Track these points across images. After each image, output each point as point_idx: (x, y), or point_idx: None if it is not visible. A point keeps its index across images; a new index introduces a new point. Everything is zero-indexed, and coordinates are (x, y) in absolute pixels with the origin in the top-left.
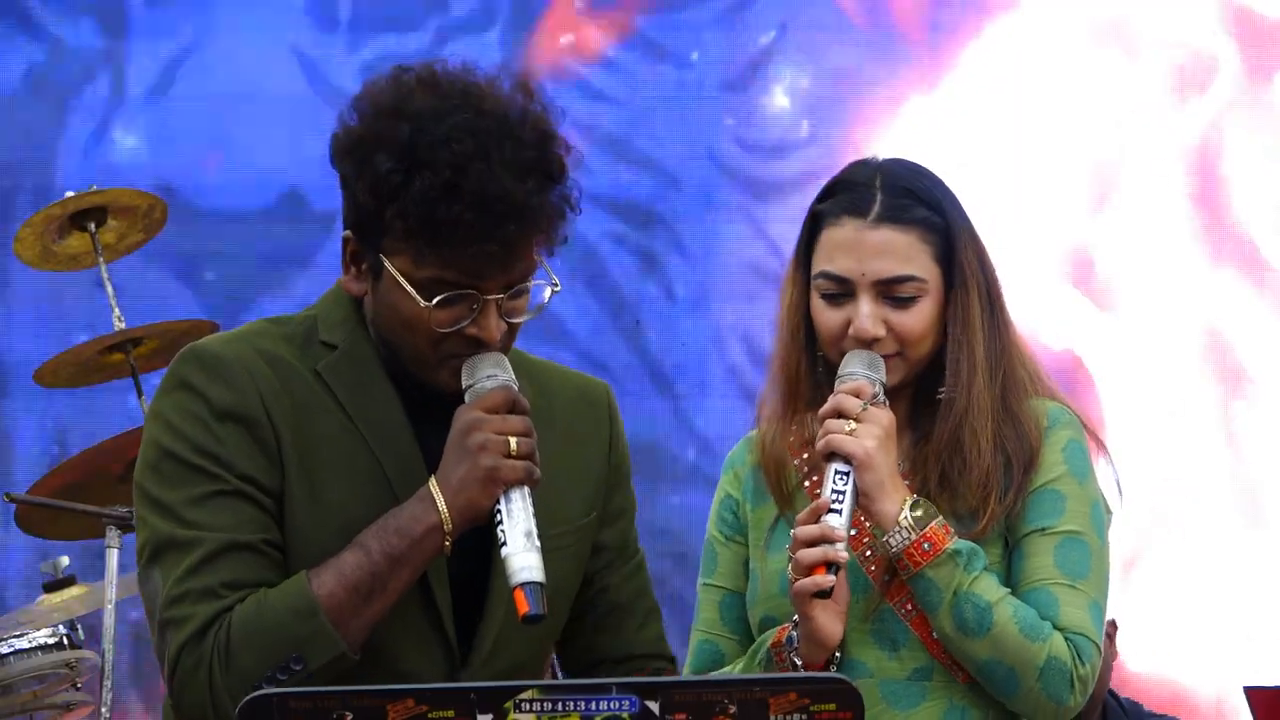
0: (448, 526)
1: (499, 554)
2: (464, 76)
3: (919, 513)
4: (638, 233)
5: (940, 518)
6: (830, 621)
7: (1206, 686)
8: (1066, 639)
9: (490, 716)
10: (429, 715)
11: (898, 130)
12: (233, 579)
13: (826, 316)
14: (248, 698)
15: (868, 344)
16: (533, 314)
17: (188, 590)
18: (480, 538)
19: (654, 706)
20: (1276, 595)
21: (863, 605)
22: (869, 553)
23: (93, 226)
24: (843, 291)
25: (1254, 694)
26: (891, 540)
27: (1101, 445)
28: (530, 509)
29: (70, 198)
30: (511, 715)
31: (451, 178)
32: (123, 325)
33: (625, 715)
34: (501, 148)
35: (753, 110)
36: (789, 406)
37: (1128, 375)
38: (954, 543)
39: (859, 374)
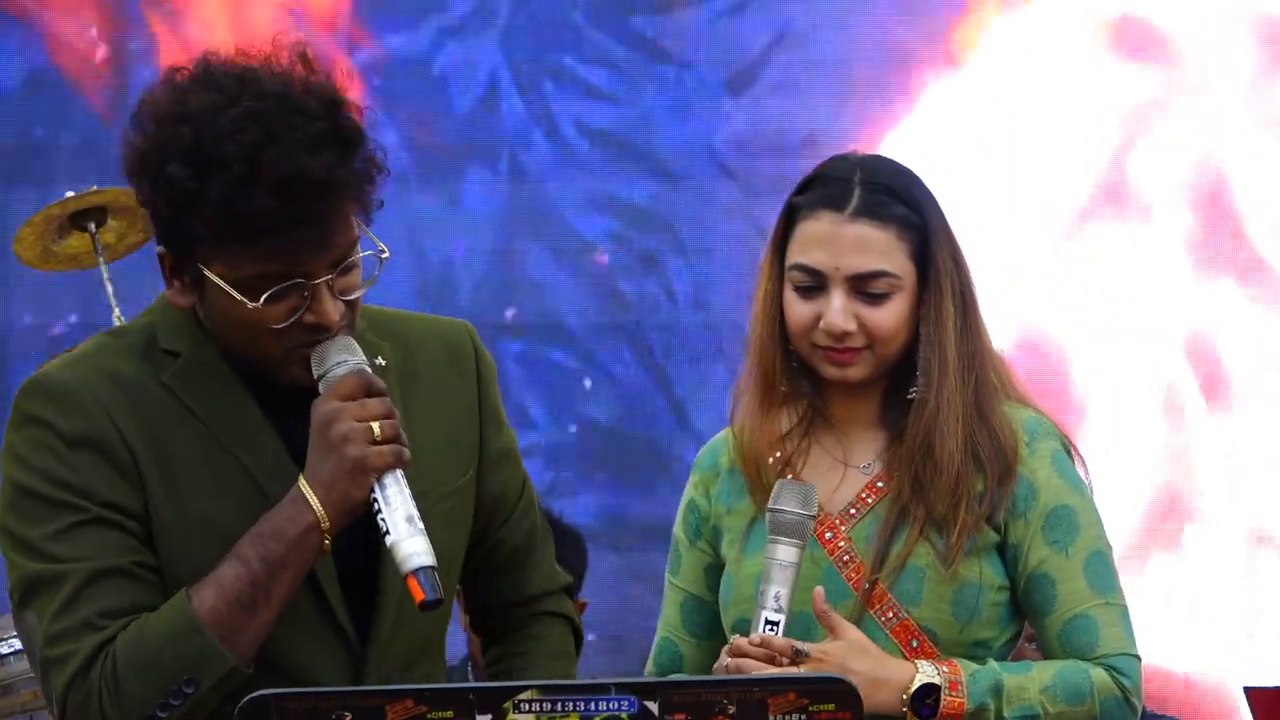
0: (325, 524)
1: (383, 540)
2: (238, 63)
3: (923, 700)
4: (638, 233)
5: (944, 681)
6: None
7: (1207, 686)
8: (1107, 668)
9: (489, 717)
10: (428, 715)
11: (898, 130)
12: (107, 607)
13: (798, 309)
14: (247, 698)
15: (838, 338)
16: (366, 286)
17: (65, 628)
18: (357, 524)
19: (653, 706)
20: (1277, 595)
21: (842, 614)
22: (847, 558)
23: (93, 226)
24: (816, 284)
25: (1254, 694)
26: None
27: (1074, 446)
28: (406, 491)
29: (70, 198)
30: (510, 715)
31: (245, 170)
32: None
33: (624, 715)
34: (289, 126)
35: (753, 110)
36: (765, 400)
37: (1127, 375)
38: (970, 700)
39: (790, 512)
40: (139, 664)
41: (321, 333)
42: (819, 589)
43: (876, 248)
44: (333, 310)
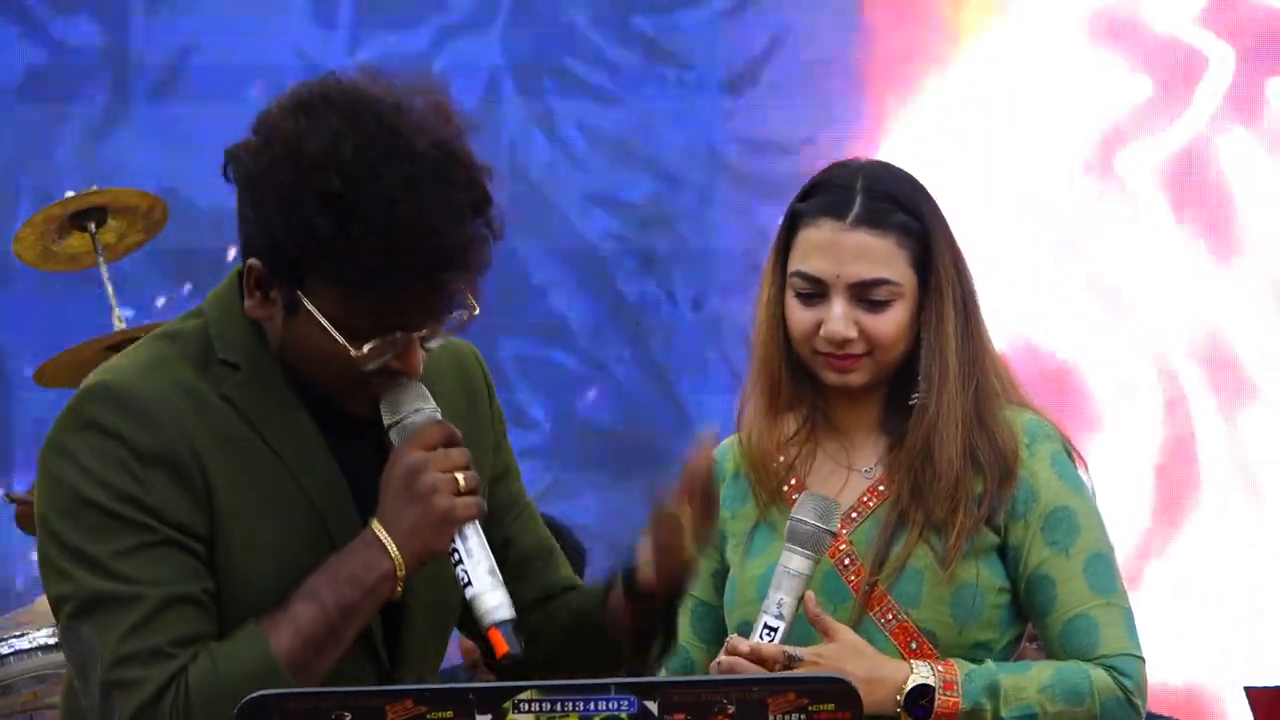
0: (400, 572)
1: (462, 590)
2: (388, 111)
3: (917, 700)
4: (638, 233)
5: (938, 680)
6: None
7: (1207, 686)
8: (1108, 668)
9: (489, 717)
10: (428, 716)
11: (898, 129)
12: (179, 636)
13: (799, 316)
14: (246, 698)
15: (839, 344)
16: (449, 335)
17: (135, 651)
18: None
19: (652, 706)
20: (1277, 595)
21: (842, 616)
22: (848, 561)
23: (93, 226)
24: (817, 292)
25: (1254, 694)
26: None
27: (1077, 452)
28: (485, 543)
29: (70, 198)
30: (510, 716)
31: (389, 235)
32: (123, 325)
33: (624, 715)
34: (436, 194)
35: (753, 110)
36: (771, 405)
37: (1127, 375)
38: (966, 699)
39: (807, 523)
40: (214, 700)
41: (402, 377)
42: (809, 594)
43: (877, 256)
44: (419, 360)
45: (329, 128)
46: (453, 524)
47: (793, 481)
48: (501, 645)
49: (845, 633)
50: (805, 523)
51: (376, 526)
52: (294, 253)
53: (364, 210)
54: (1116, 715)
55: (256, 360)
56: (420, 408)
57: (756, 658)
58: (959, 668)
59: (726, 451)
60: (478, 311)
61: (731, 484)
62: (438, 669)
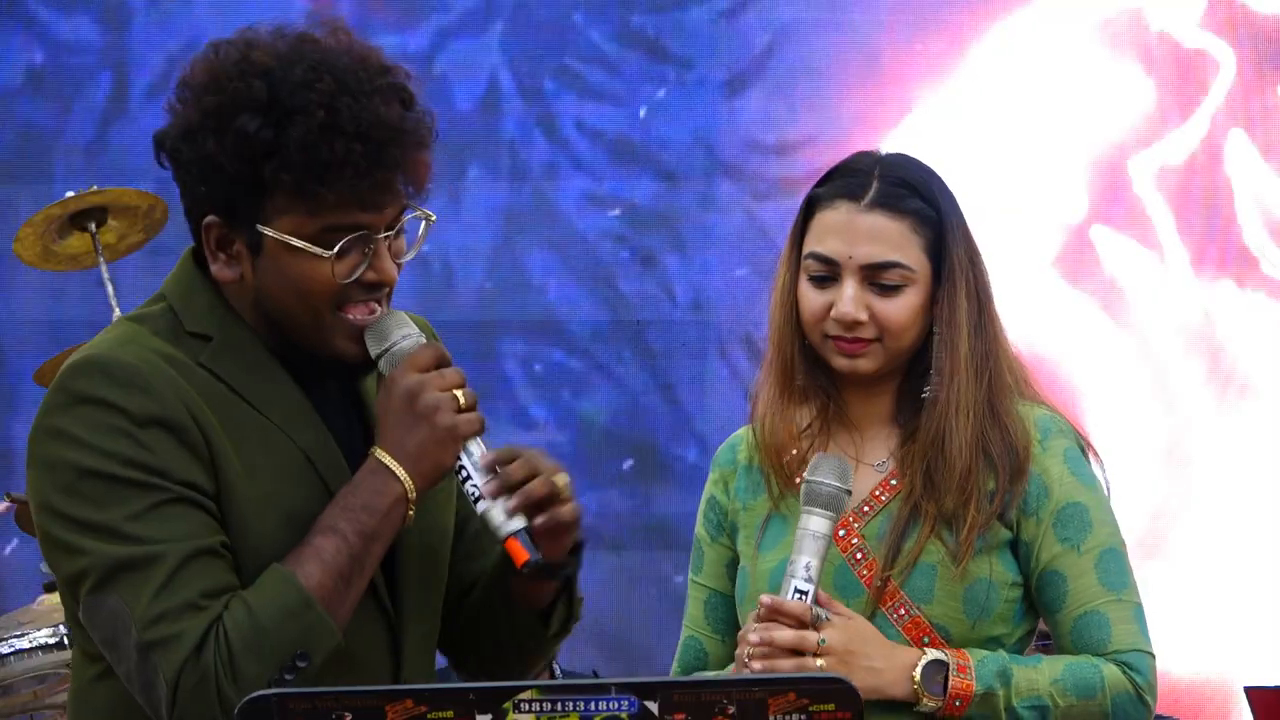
0: (411, 495)
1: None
2: (287, 30)
3: (933, 677)
4: (638, 233)
5: (953, 662)
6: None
7: (1207, 686)
8: (1119, 664)
9: (489, 717)
10: (427, 715)
11: (898, 130)
12: (207, 587)
13: (810, 297)
14: (246, 698)
15: (849, 326)
16: (412, 251)
17: (167, 609)
18: None
19: (653, 707)
20: (1277, 595)
21: (855, 610)
22: (860, 555)
23: (93, 226)
24: (829, 274)
25: (1254, 694)
26: (924, 710)
27: (1090, 445)
28: (490, 456)
29: (70, 198)
30: (510, 715)
31: (326, 116)
32: None
33: (624, 715)
34: (359, 79)
35: (752, 110)
36: (784, 391)
37: (1127, 375)
38: (979, 682)
39: (826, 484)
40: (254, 642)
41: (378, 292)
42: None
43: (890, 239)
44: (391, 268)
45: (236, 50)
46: (458, 439)
47: (805, 473)
48: (521, 554)
49: (860, 619)
50: (824, 484)
51: (380, 453)
52: (245, 176)
53: (295, 102)
54: (1128, 711)
55: (227, 329)
56: (407, 334)
57: (788, 616)
58: (971, 654)
59: (739, 442)
60: (434, 218)
61: (744, 475)
62: (438, 613)
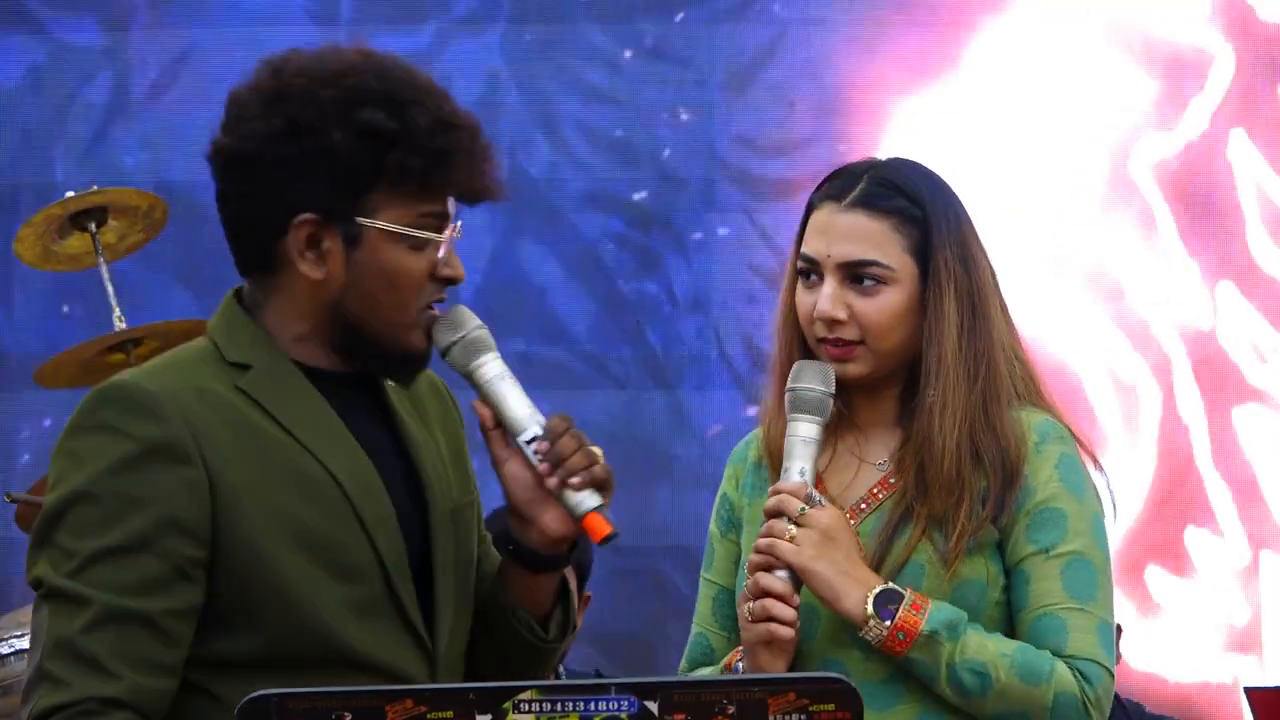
0: None
1: (438, 539)
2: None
3: (886, 603)
4: (638, 233)
5: (909, 597)
6: (771, 663)
7: (1206, 686)
8: (1072, 667)
9: (489, 717)
10: (428, 716)
11: (898, 130)
12: (118, 652)
13: (801, 298)
14: (247, 698)
15: (830, 326)
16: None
17: (75, 652)
18: (414, 525)
19: (653, 707)
20: (1277, 595)
21: None
22: (860, 551)
23: (93, 226)
24: (816, 273)
25: (1254, 694)
26: (867, 636)
27: (1094, 456)
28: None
29: (70, 198)
30: (510, 716)
31: (437, 109)
32: (123, 325)
33: (624, 715)
34: (426, 82)
35: (753, 110)
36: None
37: (1127, 375)
38: (928, 623)
39: (811, 389)
40: None
41: (450, 286)
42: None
43: (868, 237)
44: (461, 265)
45: (323, 55)
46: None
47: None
48: (603, 528)
49: (829, 518)
50: (808, 389)
51: None
52: (363, 166)
53: (406, 97)
54: (1069, 716)
55: (267, 358)
56: (479, 324)
57: (788, 492)
58: (934, 602)
59: (752, 439)
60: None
61: (752, 473)
62: (468, 633)
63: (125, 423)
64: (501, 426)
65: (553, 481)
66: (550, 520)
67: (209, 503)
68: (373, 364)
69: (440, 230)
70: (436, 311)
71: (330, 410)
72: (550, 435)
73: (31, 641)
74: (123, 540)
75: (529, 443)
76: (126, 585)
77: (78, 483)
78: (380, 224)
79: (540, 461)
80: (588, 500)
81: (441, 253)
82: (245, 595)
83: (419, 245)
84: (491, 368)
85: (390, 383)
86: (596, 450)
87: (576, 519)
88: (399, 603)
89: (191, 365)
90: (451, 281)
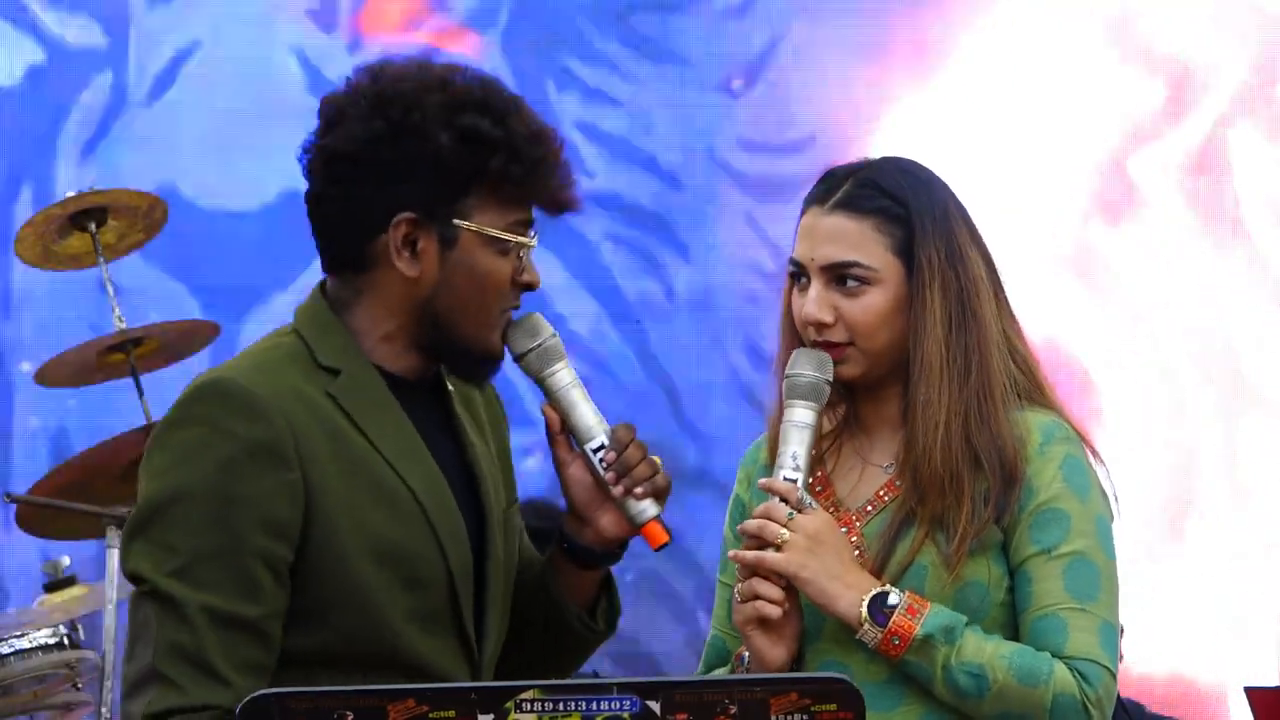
0: None
1: (492, 546)
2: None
3: (880, 607)
4: (638, 233)
5: (905, 601)
6: (769, 647)
7: (1207, 686)
8: (1072, 668)
9: (491, 716)
10: (430, 715)
11: (898, 129)
12: (227, 657)
13: (794, 304)
14: (248, 698)
15: (818, 329)
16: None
17: (187, 655)
18: (477, 532)
19: (655, 706)
20: (1276, 595)
21: None
22: (857, 554)
23: (93, 226)
24: (803, 276)
25: (1254, 694)
26: (863, 639)
27: (1097, 456)
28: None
29: (70, 198)
30: (512, 715)
31: (530, 119)
32: (123, 325)
33: (626, 715)
34: (524, 102)
35: (753, 110)
36: None
37: (1128, 375)
38: (923, 627)
39: (806, 375)
40: None
41: (528, 291)
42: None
43: (849, 238)
44: (538, 272)
45: (428, 64)
46: None
47: (818, 474)
48: (661, 536)
49: (818, 523)
50: (803, 375)
51: None
52: (466, 169)
53: (503, 107)
54: (1068, 716)
55: (355, 366)
56: (554, 332)
57: (776, 493)
58: (932, 606)
59: (763, 444)
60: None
61: (762, 474)
62: (505, 632)
63: (228, 421)
64: (566, 431)
65: (618, 490)
66: (608, 523)
67: (303, 506)
68: (455, 363)
69: (527, 236)
70: (512, 317)
71: (409, 422)
72: (617, 445)
73: (130, 637)
74: (225, 542)
75: (595, 450)
76: (230, 589)
77: (180, 479)
78: (475, 226)
79: (606, 470)
80: (649, 509)
81: (523, 259)
82: (321, 596)
83: (506, 250)
84: (563, 376)
85: (451, 387)
86: (657, 460)
87: (637, 526)
88: (458, 612)
89: (286, 365)
90: (529, 288)
